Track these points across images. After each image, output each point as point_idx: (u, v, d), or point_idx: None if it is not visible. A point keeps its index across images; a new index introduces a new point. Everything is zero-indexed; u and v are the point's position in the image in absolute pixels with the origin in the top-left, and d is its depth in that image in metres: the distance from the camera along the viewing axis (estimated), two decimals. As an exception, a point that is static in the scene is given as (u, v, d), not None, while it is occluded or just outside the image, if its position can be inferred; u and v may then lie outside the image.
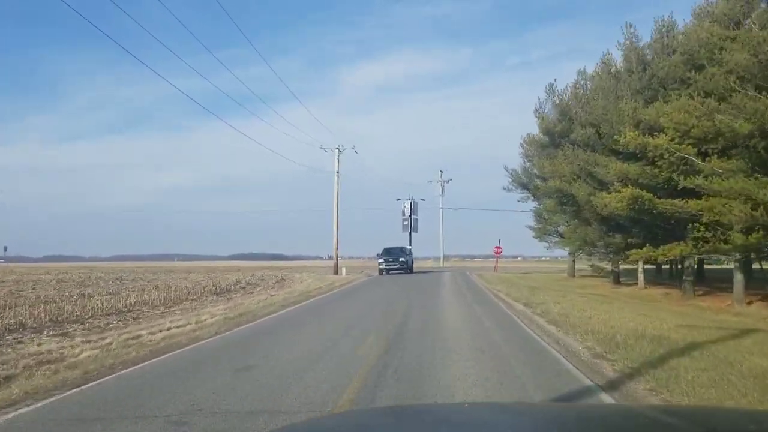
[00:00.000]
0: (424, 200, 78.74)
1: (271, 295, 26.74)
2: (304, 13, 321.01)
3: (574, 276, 44.64)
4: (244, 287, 35.56)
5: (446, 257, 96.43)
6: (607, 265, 36.32)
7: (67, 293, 29.47)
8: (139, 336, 14.12)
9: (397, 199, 79.06)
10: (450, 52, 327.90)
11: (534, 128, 45.48)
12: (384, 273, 45.61)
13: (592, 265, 34.97)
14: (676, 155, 21.07)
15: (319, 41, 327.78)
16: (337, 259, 49.54)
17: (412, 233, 78.20)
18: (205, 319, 17.45)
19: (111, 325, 17.14)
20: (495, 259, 55.44)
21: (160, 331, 15.18)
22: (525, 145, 45.84)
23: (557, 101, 35.46)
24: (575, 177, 32.55)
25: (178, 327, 15.79)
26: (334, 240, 49.55)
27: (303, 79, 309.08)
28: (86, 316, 19.22)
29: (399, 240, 76.53)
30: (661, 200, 22.18)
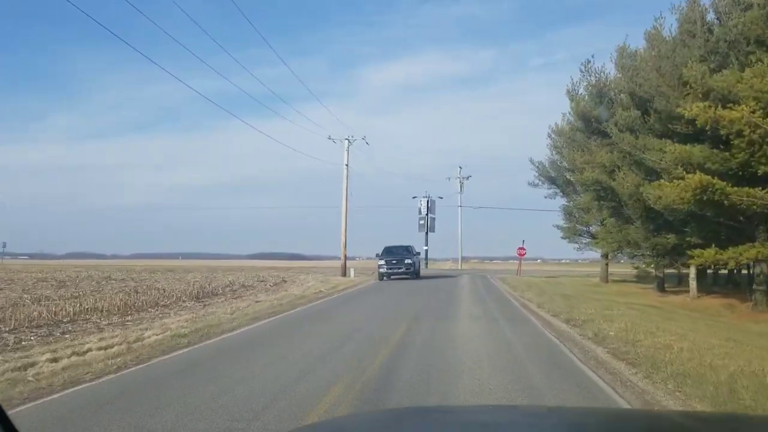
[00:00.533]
0: (441, 198, 74.16)
1: (256, 302, 22.56)
2: (329, 14, 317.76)
3: (607, 281, 39.92)
4: (235, 290, 31.44)
5: (465, 259, 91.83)
6: (652, 270, 31.53)
7: (27, 296, 25.64)
8: (32, 365, 10.02)
9: (413, 197, 74.78)
10: (474, 53, 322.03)
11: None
12: (385, 278, 37.54)
13: (637, 268, 30.24)
14: (759, 131, 16.48)
15: (343, 42, 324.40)
16: (345, 260, 45.22)
17: (429, 233, 73.97)
18: (148, 336, 13.37)
19: (22, 344, 13.10)
20: (518, 261, 50.83)
21: (74, 354, 11.10)
22: (553, 136, 41.21)
23: (594, 81, 30.84)
24: (616, 167, 28.00)
25: (101, 348, 11.73)
26: (342, 239, 45.30)
27: (326, 79, 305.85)
28: (5, 329, 15.19)
29: (415, 240, 72.25)
30: (736, 189, 17.58)
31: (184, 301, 24.11)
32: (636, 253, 29.03)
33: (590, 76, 30.85)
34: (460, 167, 71.89)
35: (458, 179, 71.18)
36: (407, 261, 38.31)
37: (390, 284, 32.91)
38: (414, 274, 38.27)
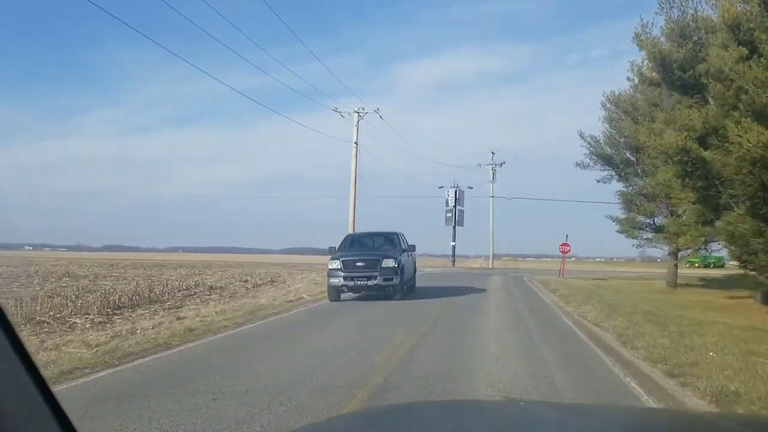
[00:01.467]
0: (471, 188, 65.62)
1: (178, 318, 14.95)
2: (366, 11, 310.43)
3: (675, 286, 31.39)
4: (191, 294, 24.05)
5: (496, 256, 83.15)
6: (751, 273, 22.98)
7: None
8: None
9: (440, 187, 66.42)
10: (510, 50, 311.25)
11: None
12: (340, 295, 19.85)
13: (744, 273, 21.84)
14: None
15: (380, 39, 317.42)
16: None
17: (457, 227, 65.57)
18: None
19: None
20: (559, 259, 42.51)
21: None
22: (609, 105, 32.68)
23: (676, 15, 22.40)
24: (710, 131, 19.83)
25: None
26: (350, 231, 37.51)
27: (362, 77, 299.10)
28: None
29: (442, 236, 64.26)
30: None
31: (86, 315, 16.60)
32: (744, 251, 20.48)
33: (671, 8, 22.33)
34: (493, 152, 63.10)
35: (490, 166, 62.52)
36: (386, 264, 19.25)
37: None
38: (399, 288, 19.50)
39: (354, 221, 37.00)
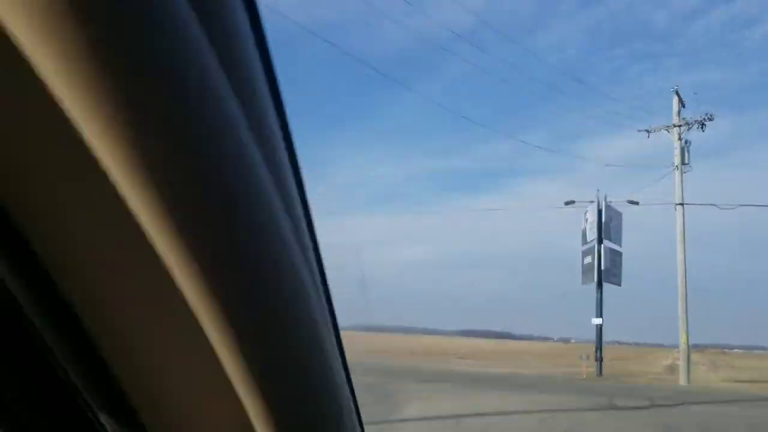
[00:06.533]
0: (636, 203, 29.26)
1: None
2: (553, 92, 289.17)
3: None
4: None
5: (697, 348, 43.58)
6: None
7: None
8: None
9: (567, 203, 31.07)
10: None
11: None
12: None
13: None
14: None
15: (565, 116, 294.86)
16: None
17: (604, 284, 29.33)
18: None
19: None
20: None
21: None
22: None
23: None
24: None
25: None
26: None
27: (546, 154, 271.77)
28: None
29: (580, 306, 28.87)
30: None
31: None
32: None
33: None
34: (681, 99, 25.87)
35: (675, 130, 25.51)
36: None
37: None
38: None
39: None
